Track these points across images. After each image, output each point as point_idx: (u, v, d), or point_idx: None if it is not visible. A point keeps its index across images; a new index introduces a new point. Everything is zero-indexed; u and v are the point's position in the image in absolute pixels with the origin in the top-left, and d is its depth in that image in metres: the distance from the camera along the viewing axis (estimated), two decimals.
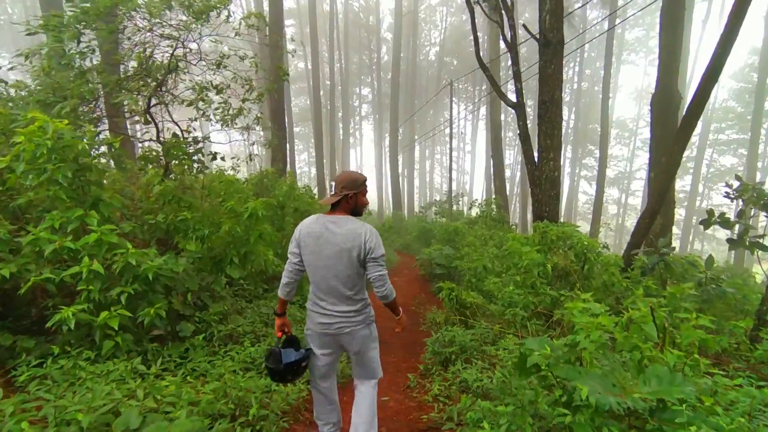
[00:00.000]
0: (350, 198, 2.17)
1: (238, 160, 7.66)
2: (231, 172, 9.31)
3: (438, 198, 33.05)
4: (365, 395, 2.30)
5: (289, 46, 10.99)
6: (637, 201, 42.45)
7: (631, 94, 38.70)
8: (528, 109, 7.11)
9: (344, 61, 38.90)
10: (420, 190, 49.57)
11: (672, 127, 8.78)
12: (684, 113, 6.52)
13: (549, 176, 6.03)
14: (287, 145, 12.96)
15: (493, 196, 14.76)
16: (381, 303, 2.26)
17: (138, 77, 4.78)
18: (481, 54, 6.72)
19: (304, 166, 52.75)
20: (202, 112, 5.22)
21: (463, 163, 51.71)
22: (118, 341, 2.77)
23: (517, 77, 6.20)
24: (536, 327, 4.32)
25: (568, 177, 37.24)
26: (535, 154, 6.29)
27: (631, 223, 39.59)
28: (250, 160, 6.47)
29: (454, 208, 19.20)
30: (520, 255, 4.97)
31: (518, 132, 6.41)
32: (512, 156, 40.58)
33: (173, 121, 5.77)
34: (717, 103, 33.30)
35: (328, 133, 36.08)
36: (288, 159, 14.18)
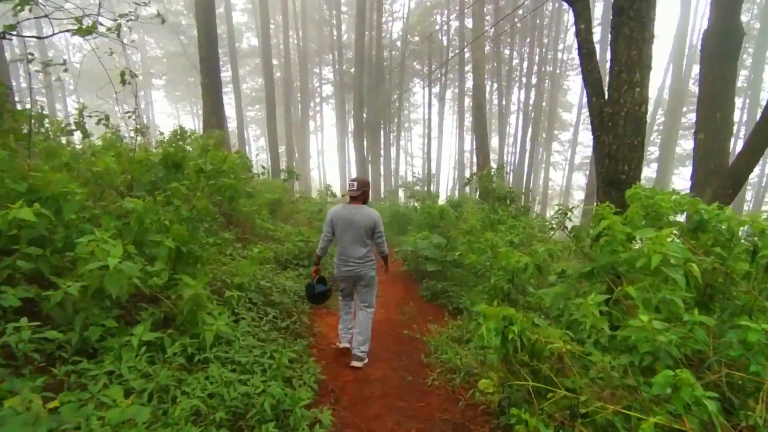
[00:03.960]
0: (365, 192, 3.60)
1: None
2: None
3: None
4: (364, 316, 3.67)
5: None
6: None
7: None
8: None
9: (302, 37, 35.25)
10: (385, 179, 46.93)
11: (731, 70, 6.71)
12: None
13: (631, 113, 3.64)
14: (222, 101, 9.95)
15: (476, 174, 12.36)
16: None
17: None
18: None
19: (261, 152, 48.67)
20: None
21: (429, 150, 49.59)
22: None
23: None
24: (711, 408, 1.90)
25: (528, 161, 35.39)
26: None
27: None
28: (124, 83, 3.61)
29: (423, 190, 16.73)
30: (638, 248, 2.53)
31: (577, 45, 3.96)
32: (471, 140, 37.77)
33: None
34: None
35: (285, 114, 32.54)
36: (226, 126, 11.22)
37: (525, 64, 31.27)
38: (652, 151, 30.93)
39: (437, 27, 35.05)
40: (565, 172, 44.43)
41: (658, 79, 26.91)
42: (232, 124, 30.92)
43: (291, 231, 6.29)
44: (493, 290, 4.22)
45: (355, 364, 3.53)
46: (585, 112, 38.73)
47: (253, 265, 3.69)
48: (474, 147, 34.75)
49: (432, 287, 6.33)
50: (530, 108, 25.84)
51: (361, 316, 3.65)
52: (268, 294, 3.78)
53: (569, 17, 32.40)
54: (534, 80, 29.98)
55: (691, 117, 32.69)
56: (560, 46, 32.25)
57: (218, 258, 4.49)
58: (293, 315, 3.83)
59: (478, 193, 16.22)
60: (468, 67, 29.45)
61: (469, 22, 26.15)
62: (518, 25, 29.13)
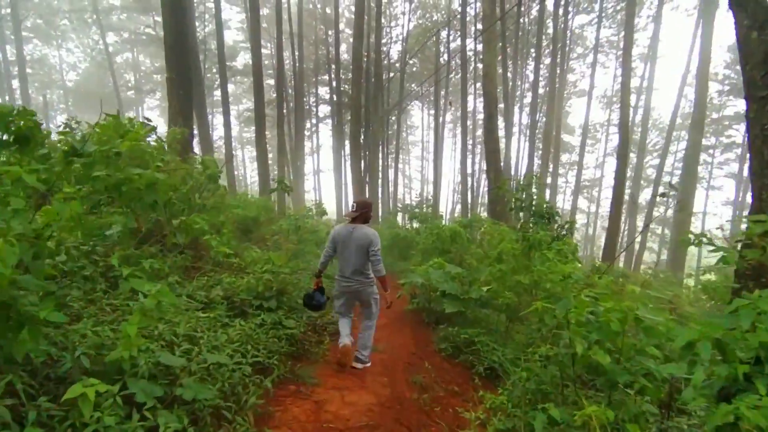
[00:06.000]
0: (365, 213, 3.82)
1: None
2: None
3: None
4: (367, 328, 3.84)
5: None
6: (602, 210, 40.12)
7: (600, 98, 36.53)
8: None
9: (297, 56, 34.21)
10: (383, 201, 45.23)
11: None
12: None
13: None
14: (191, 100, 8.39)
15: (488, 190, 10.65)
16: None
17: None
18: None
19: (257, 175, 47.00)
20: None
21: (426, 173, 48.81)
22: None
23: None
24: None
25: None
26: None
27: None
28: None
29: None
30: None
31: None
32: (472, 163, 35.52)
33: None
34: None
35: (278, 134, 31.11)
36: (209, 133, 9.64)
37: (527, 85, 30.37)
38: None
39: (437, 45, 34.28)
40: (566, 195, 43.05)
41: (671, 103, 25.48)
42: (222, 145, 29.46)
43: (258, 258, 4.55)
44: (575, 362, 2.48)
45: (355, 364, 3.73)
46: (589, 134, 37.51)
47: (144, 324, 1.95)
48: (480, 167, 33.09)
49: (452, 337, 4.58)
50: (537, 129, 24.59)
51: (363, 332, 3.84)
52: (173, 381, 2.01)
53: (571, 35, 31.70)
54: (538, 101, 28.91)
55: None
56: (564, 66, 31.41)
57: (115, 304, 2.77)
58: (225, 419, 2.06)
59: (486, 211, 14.48)
60: (470, 89, 28.38)
61: (469, 42, 25.24)
62: (519, 46, 28.32)
